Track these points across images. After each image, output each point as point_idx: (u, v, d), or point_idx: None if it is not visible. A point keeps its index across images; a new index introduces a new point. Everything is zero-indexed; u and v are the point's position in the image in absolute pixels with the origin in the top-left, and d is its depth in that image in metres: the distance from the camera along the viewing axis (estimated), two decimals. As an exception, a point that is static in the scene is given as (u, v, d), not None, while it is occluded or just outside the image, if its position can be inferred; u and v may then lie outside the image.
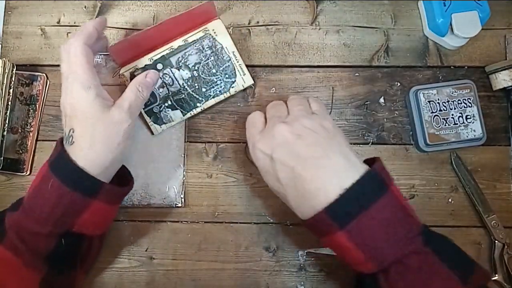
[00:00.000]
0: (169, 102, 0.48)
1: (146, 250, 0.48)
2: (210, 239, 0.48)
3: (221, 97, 0.49)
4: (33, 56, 0.52)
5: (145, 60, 0.48)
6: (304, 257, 0.48)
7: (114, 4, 0.53)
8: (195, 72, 0.48)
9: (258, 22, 0.52)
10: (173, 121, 0.49)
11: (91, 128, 0.37)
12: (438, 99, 0.48)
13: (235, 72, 0.49)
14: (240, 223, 0.49)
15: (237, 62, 0.49)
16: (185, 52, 0.48)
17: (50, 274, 0.38)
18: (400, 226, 0.34)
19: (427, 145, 0.48)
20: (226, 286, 0.48)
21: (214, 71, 0.49)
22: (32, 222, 0.36)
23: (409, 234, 0.34)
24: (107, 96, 0.40)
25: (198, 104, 0.49)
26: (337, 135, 0.38)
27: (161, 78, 0.48)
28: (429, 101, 0.48)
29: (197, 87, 0.49)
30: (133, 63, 0.48)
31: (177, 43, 0.48)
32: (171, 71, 0.48)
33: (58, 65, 0.51)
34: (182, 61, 0.48)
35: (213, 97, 0.49)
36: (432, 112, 0.48)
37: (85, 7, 0.53)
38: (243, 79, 0.49)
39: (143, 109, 0.48)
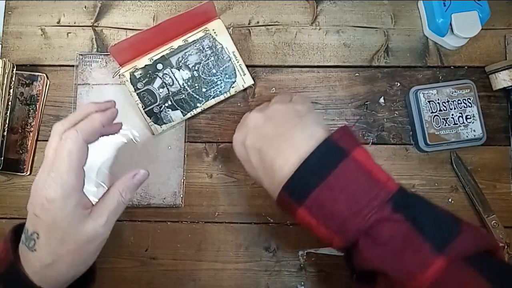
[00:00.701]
0: (169, 102, 0.48)
1: (146, 250, 0.48)
2: (210, 239, 0.48)
3: (221, 97, 0.49)
4: (33, 56, 0.52)
5: (145, 60, 0.48)
6: (304, 257, 0.48)
7: (114, 4, 0.53)
8: (195, 72, 0.48)
9: (258, 22, 0.52)
10: (173, 121, 0.49)
11: (59, 243, 0.32)
12: (438, 99, 0.48)
13: (235, 72, 0.49)
14: (240, 223, 0.49)
15: (237, 62, 0.49)
16: (185, 52, 0.48)
17: None
18: (362, 193, 0.30)
19: (427, 145, 0.48)
20: (226, 286, 0.48)
21: (214, 71, 0.49)
22: None
23: (373, 202, 0.30)
24: (87, 202, 0.34)
25: (198, 104, 0.49)
26: (307, 114, 0.35)
27: (161, 78, 0.48)
28: (429, 101, 0.48)
29: (197, 87, 0.49)
30: (133, 63, 0.48)
31: (177, 43, 0.48)
32: (171, 71, 0.48)
33: (58, 65, 0.52)
34: (182, 61, 0.48)
35: (213, 97, 0.49)
36: (432, 112, 0.48)
37: (85, 7, 0.53)
38: (243, 79, 0.49)
39: (143, 109, 0.48)
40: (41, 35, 0.52)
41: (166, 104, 0.48)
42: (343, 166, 0.31)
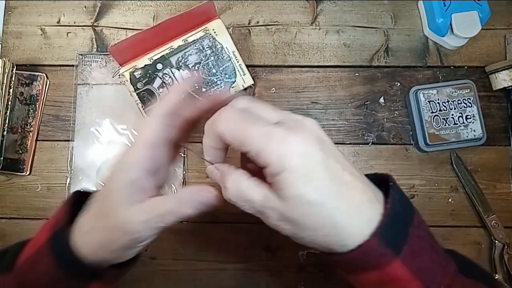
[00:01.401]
0: None
1: (146, 250, 0.48)
2: (210, 239, 0.48)
3: None
4: (33, 56, 0.52)
5: (145, 60, 0.48)
6: (304, 257, 0.48)
7: (114, 4, 0.53)
8: (195, 72, 0.48)
9: (258, 22, 0.52)
10: None
11: (99, 216, 0.30)
12: (438, 99, 0.48)
13: (235, 72, 0.49)
14: (240, 223, 0.49)
15: (237, 62, 0.49)
16: (185, 52, 0.48)
17: None
18: (436, 243, 0.28)
19: (427, 145, 0.48)
20: (226, 286, 0.48)
21: (214, 71, 0.49)
22: None
23: (444, 252, 0.28)
24: (148, 187, 0.30)
25: None
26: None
27: (160, 78, 0.48)
28: (429, 101, 0.48)
29: (197, 87, 0.49)
30: (133, 63, 0.48)
31: (177, 43, 0.48)
32: (171, 71, 0.48)
33: (58, 65, 0.52)
34: (182, 61, 0.48)
35: None
36: (432, 112, 0.48)
37: (85, 7, 0.53)
38: (243, 79, 0.49)
39: (143, 109, 0.48)
40: (41, 35, 0.52)
41: None
42: (416, 215, 0.28)
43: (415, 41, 0.52)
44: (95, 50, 0.52)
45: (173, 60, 0.48)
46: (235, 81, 0.49)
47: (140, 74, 0.48)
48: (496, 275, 0.46)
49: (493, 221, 0.47)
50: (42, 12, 0.53)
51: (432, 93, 0.48)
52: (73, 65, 0.51)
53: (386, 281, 0.27)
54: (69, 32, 0.52)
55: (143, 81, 0.48)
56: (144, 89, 0.48)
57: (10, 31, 0.53)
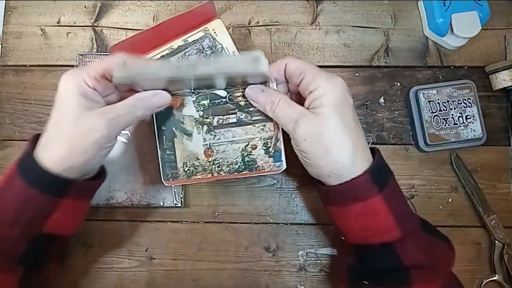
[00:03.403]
0: None
1: (146, 250, 0.48)
2: (210, 239, 0.48)
3: None
4: (33, 56, 0.52)
5: None
6: (304, 257, 0.48)
7: (114, 4, 0.53)
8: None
9: (258, 22, 0.52)
10: None
11: (61, 126, 0.34)
12: (438, 99, 0.48)
13: None
14: (240, 223, 0.49)
15: None
16: (185, 52, 0.48)
17: (26, 274, 0.37)
18: (406, 200, 0.37)
19: (427, 145, 0.48)
20: (226, 286, 0.48)
21: None
22: (2, 225, 0.34)
23: (410, 208, 0.37)
24: (98, 99, 0.35)
25: None
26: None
27: None
28: (429, 101, 0.48)
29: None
30: None
31: (177, 43, 0.48)
32: None
33: (58, 65, 0.52)
34: None
35: None
36: (432, 112, 0.48)
37: (85, 7, 0.53)
38: None
39: None
40: (41, 35, 0.52)
41: None
42: (393, 174, 0.38)
43: (415, 41, 0.52)
44: (95, 50, 0.52)
45: (173, 60, 0.48)
46: None
47: None
48: (496, 275, 0.46)
49: (493, 221, 0.47)
50: (42, 12, 0.53)
51: (432, 93, 0.48)
52: (73, 65, 0.51)
53: (368, 213, 0.35)
54: (69, 32, 0.52)
55: None
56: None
57: (10, 31, 0.53)
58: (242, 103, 0.41)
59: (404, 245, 0.34)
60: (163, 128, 0.42)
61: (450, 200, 0.49)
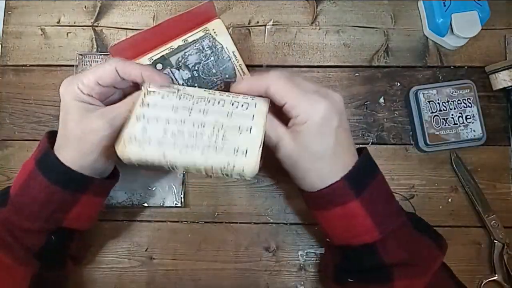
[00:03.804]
0: None
1: (146, 250, 0.48)
2: (210, 239, 0.49)
3: None
4: (33, 56, 0.52)
5: (145, 60, 0.48)
6: (304, 257, 0.48)
7: (114, 4, 0.53)
8: (195, 72, 0.48)
9: (258, 22, 0.52)
10: None
11: (68, 129, 0.36)
12: (438, 99, 0.48)
13: (235, 72, 0.49)
14: (240, 223, 0.49)
15: (237, 62, 0.49)
16: (185, 52, 0.48)
17: (41, 269, 0.38)
18: (393, 199, 0.38)
19: (427, 145, 0.48)
20: (226, 286, 0.48)
21: (214, 71, 0.49)
22: (22, 219, 0.37)
23: (399, 208, 0.37)
24: (96, 102, 0.37)
25: None
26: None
27: None
28: (429, 101, 0.48)
29: (197, 87, 0.49)
30: None
31: (177, 43, 0.48)
32: (170, 71, 0.48)
33: (58, 65, 0.52)
34: (182, 61, 0.48)
35: None
36: (432, 112, 0.48)
37: (85, 7, 0.53)
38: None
39: None
40: (41, 35, 0.52)
41: None
42: (379, 174, 0.37)
43: (415, 41, 0.52)
44: (95, 50, 0.52)
45: (173, 60, 0.48)
46: (235, 81, 0.49)
47: None
48: (496, 275, 0.46)
49: (493, 221, 0.47)
50: (42, 12, 0.53)
51: (432, 93, 0.48)
52: (73, 65, 0.51)
53: (348, 216, 0.36)
54: (69, 32, 0.52)
55: None
56: None
57: (10, 31, 0.53)
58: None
59: (385, 244, 0.35)
60: None
61: (450, 200, 0.49)
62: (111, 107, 0.37)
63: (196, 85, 0.48)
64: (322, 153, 0.34)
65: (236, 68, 0.49)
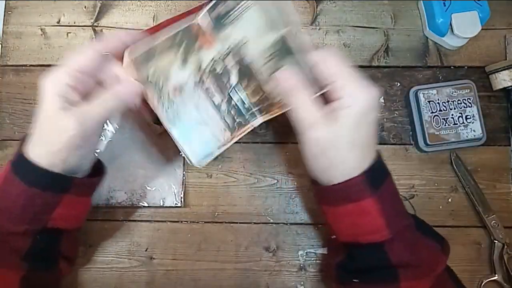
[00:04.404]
0: None
1: (146, 250, 0.48)
2: (210, 239, 0.49)
3: None
4: (33, 56, 0.52)
5: None
6: (304, 257, 0.48)
7: (114, 4, 0.53)
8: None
9: (258, 22, 0.52)
10: None
11: (39, 125, 0.35)
12: (438, 99, 0.48)
13: None
14: (240, 223, 0.49)
15: None
16: None
17: (31, 271, 0.37)
18: (400, 199, 0.38)
19: (427, 145, 0.48)
20: (226, 286, 0.48)
21: None
22: (5, 222, 0.36)
23: (405, 208, 0.38)
24: (74, 98, 0.35)
25: None
26: None
27: None
28: (429, 101, 0.48)
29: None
30: None
31: None
32: None
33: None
34: None
35: None
36: (432, 112, 0.48)
37: (85, 7, 0.53)
38: None
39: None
40: (41, 35, 0.52)
41: None
42: (390, 176, 0.37)
43: (415, 41, 0.52)
44: (95, 50, 0.52)
45: None
46: None
47: None
48: (496, 275, 0.46)
49: (493, 221, 0.47)
50: (42, 12, 0.53)
51: (432, 93, 0.48)
52: (73, 65, 0.51)
53: (359, 213, 0.35)
54: (69, 32, 0.52)
55: None
56: None
57: (10, 31, 0.53)
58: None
59: (392, 244, 0.35)
60: None
61: (450, 200, 0.49)
62: (85, 108, 0.35)
63: None
64: (355, 143, 0.33)
65: None
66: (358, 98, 0.33)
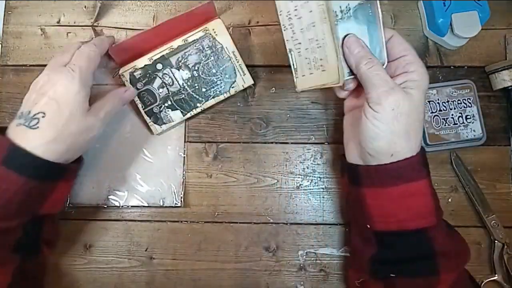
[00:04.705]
0: (169, 102, 0.48)
1: (146, 250, 0.48)
2: (210, 239, 0.49)
3: (221, 97, 0.49)
4: (33, 56, 0.52)
5: (145, 60, 0.48)
6: (304, 257, 0.48)
7: (114, 4, 0.53)
8: (195, 72, 0.48)
9: (258, 22, 0.52)
10: (173, 121, 0.49)
11: (64, 124, 0.37)
12: (438, 99, 0.48)
13: (235, 72, 0.49)
14: (240, 223, 0.49)
15: (237, 62, 0.49)
16: (185, 52, 0.48)
17: (21, 262, 0.38)
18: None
19: (427, 145, 0.48)
20: (226, 286, 0.48)
21: (214, 71, 0.49)
22: None
23: None
24: (87, 102, 0.40)
25: (198, 104, 0.49)
26: None
27: (160, 78, 0.48)
28: (429, 101, 0.48)
29: (197, 87, 0.49)
30: (133, 63, 0.48)
31: (176, 43, 0.48)
32: (170, 71, 0.48)
33: (58, 65, 0.51)
34: (182, 61, 0.48)
35: (213, 97, 0.49)
36: (432, 112, 0.48)
37: (85, 7, 0.53)
38: (243, 79, 0.49)
39: (143, 108, 0.48)
40: (41, 35, 0.52)
41: (166, 104, 0.48)
42: None
43: (415, 41, 0.52)
44: (95, 50, 0.52)
45: (173, 60, 0.48)
46: (235, 81, 0.49)
47: (140, 74, 0.48)
48: (496, 275, 0.46)
49: (493, 221, 0.47)
50: (42, 12, 0.53)
51: (432, 93, 0.48)
52: (73, 65, 0.51)
53: (412, 195, 0.35)
54: (69, 32, 0.52)
55: (143, 81, 0.48)
56: (144, 89, 0.48)
57: (10, 31, 0.53)
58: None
59: (437, 231, 0.35)
60: None
61: (450, 200, 0.49)
62: (100, 105, 0.41)
63: (196, 85, 0.48)
64: (419, 118, 0.35)
65: (236, 68, 0.49)
66: (424, 76, 0.35)
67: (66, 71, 0.38)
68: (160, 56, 0.48)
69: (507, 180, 0.49)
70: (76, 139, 0.38)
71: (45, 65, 0.51)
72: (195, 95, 0.49)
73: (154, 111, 0.48)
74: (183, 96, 0.48)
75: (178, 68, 0.48)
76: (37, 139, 0.36)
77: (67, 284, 0.47)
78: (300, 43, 0.38)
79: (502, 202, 0.49)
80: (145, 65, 0.48)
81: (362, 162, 0.38)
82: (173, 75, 0.48)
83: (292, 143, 0.50)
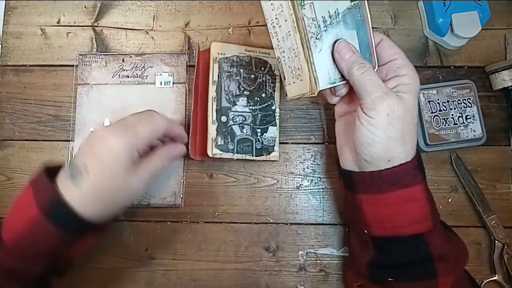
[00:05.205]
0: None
1: (146, 250, 0.48)
2: (210, 239, 0.49)
3: None
4: (33, 56, 0.52)
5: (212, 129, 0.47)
6: (304, 257, 0.48)
7: (114, 4, 0.53)
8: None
9: (258, 22, 0.52)
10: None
11: (106, 184, 0.36)
12: (438, 99, 0.48)
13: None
14: (240, 223, 0.49)
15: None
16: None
17: None
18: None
19: (427, 145, 0.48)
20: (226, 286, 0.48)
21: None
22: (25, 265, 0.36)
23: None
24: (134, 162, 0.38)
25: None
26: None
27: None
28: (429, 101, 0.48)
29: None
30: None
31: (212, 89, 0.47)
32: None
33: (58, 65, 0.52)
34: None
35: None
36: (432, 112, 0.48)
37: (85, 7, 0.53)
38: None
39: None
40: (41, 35, 0.52)
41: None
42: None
43: (415, 41, 0.52)
44: (95, 50, 0.52)
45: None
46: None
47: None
48: (496, 275, 0.46)
49: (493, 221, 0.47)
50: (42, 12, 0.53)
51: (432, 93, 0.48)
52: (73, 65, 0.51)
53: (408, 200, 0.35)
54: (69, 32, 0.52)
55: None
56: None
57: (10, 31, 0.53)
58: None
59: (433, 236, 0.35)
60: None
61: (450, 200, 0.49)
62: (146, 169, 0.38)
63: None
64: (413, 122, 0.35)
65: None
66: (415, 79, 0.35)
67: (122, 125, 0.38)
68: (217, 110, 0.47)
69: (507, 180, 0.49)
70: (116, 199, 0.37)
71: (45, 65, 0.52)
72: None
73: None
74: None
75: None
76: (79, 195, 0.36)
77: (67, 284, 0.47)
78: (283, 52, 0.37)
79: (502, 202, 0.49)
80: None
81: (357, 168, 0.37)
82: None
83: (292, 143, 0.50)
